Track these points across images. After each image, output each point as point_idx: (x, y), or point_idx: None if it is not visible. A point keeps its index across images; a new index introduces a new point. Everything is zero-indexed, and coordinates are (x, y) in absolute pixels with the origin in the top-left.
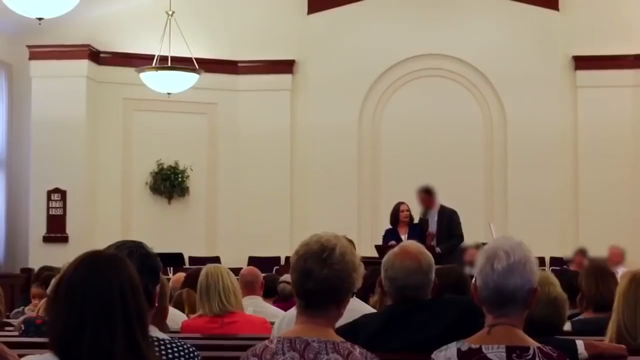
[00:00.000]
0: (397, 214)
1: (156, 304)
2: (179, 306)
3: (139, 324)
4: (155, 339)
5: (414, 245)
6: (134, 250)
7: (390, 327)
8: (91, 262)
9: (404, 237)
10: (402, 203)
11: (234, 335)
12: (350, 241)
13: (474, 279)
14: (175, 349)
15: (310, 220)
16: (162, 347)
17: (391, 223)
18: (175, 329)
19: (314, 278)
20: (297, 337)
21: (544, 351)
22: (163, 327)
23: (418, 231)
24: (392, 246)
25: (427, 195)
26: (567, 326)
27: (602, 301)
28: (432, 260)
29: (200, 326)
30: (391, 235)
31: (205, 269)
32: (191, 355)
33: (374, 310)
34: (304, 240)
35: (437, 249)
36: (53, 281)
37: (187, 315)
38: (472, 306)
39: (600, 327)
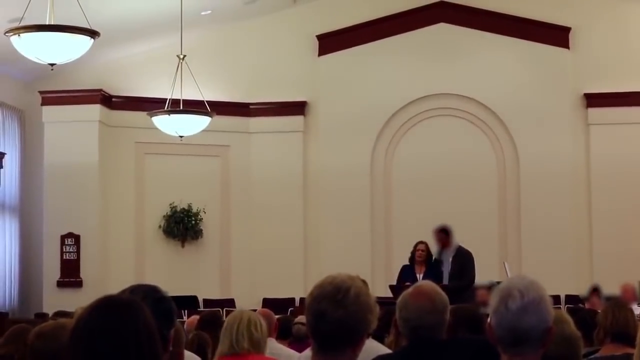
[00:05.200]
0: (413, 253)
1: (170, 348)
2: (191, 349)
3: None
4: None
5: (429, 285)
6: (148, 294)
7: None
8: (106, 307)
9: (419, 276)
10: (420, 242)
11: None
12: (364, 282)
13: (489, 318)
14: None
15: (324, 260)
16: None
17: (410, 261)
18: None
19: (328, 320)
20: None
21: None
22: None
23: (434, 272)
24: (407, 286)
25: (444, 234)
26: None
27: (619, 330)
28: (447, 300)
29: None
30: (407, 273)
31: (236, 311)
32: None
33: (389, 351)
34: (318, 282)
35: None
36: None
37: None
38: (487, 345)
39: None
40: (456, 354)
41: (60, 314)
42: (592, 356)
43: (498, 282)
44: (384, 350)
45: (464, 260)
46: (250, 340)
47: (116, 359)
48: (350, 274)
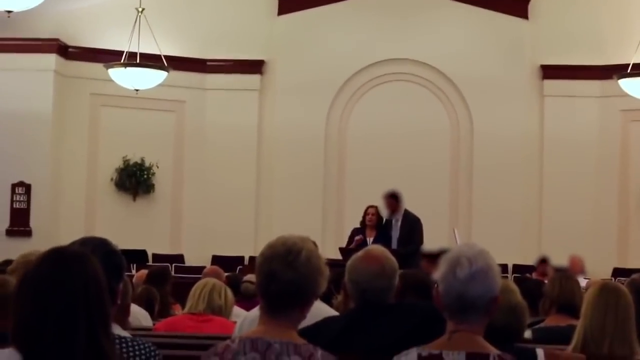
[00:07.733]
0: (364, 217)
1: (119, 302)
2: (139, 304)
3: (101, 320)
4: (117, 336)
5: (379, 249)
6: (98, 247)
7: (352, 330)
8: (56, 258)
9: (369, 240)
10: (370, 206)
11: (195, 334)
12: (314, 243)
13: (436, 285)
14: (137, 347)
15: (275, 220)
16: (124, 345)
17: (360, 224)
18: (137, 326)
19: (278, 280)
20: (260, 337)
21: (504, 359)
22: (125, 325)
23: (384, 236)
24: (356, 248)
25: (393, 200)
26: (528, 334)
27: (565, 301)
28: (396, 264)
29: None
30: (357, 234)
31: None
32: (152, 354)
33: (337, 313)
34: (270, 242)
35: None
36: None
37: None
38: (434, 312)
39: (562, 335)
40: (403, 318)
41: (7, 263)
42: (537, 326)
43: (443, 252)
44: (331, 312)
45: (413, 226)
46: (210, 305)
47: (64, 310)
48: (302, 235)
